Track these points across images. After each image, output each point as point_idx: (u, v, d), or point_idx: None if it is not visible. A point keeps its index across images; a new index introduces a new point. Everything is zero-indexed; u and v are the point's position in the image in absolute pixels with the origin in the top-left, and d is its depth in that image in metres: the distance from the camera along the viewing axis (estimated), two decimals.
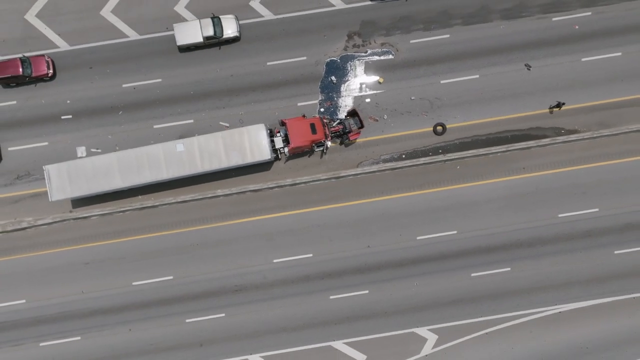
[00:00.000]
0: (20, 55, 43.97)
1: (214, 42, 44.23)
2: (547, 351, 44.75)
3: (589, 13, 45.11)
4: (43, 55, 43.98)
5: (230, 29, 43.92)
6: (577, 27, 45.04)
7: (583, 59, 44.97)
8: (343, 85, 45.30)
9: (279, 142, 42.58)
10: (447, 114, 44.96)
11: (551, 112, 44.43)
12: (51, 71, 43.84)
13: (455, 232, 44.71)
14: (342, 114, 45.11)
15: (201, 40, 43.57)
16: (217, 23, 43.62)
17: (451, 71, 45.01)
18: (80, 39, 44.94)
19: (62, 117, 44.63)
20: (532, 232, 44.73)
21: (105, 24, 44.99)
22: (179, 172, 41.26)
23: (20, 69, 43.03)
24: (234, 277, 44.59)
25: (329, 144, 44.28)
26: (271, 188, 44.77)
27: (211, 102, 44.92)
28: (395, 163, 44.86)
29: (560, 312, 44.80)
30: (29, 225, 44.01)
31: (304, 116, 43.50)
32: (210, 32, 43.47)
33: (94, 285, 44.46)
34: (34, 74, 43.39)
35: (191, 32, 43.63)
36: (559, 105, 43.99)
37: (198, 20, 43.55)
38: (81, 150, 44.30)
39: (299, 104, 44.92)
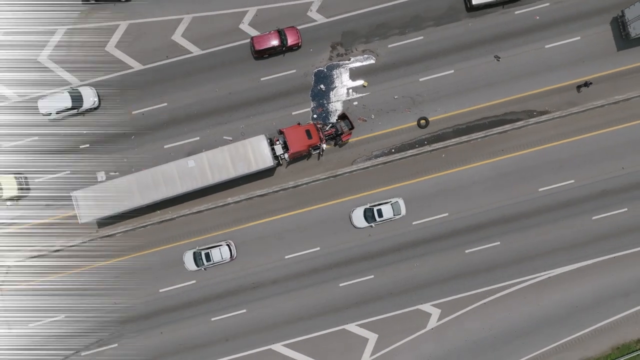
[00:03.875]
0: (276, 28, 46.18)
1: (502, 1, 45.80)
2: (542, 313, 47.06)
3: (548, 4, 46.72)
4: (293, 27, 46.12)
5: None
6: (538, 17, 46.81)
7: (546, 46, 46.81)
8: (331, 92, 47.18)
9: (279, 149, 44.19)
10: (429, 108, 46.91)
11: (579, 92, 45.67)
12: (301, 40, 45.92)
13: (446, 214, 46.96)
14: (333, 118, 47.04)
15: None
16: None
17: (428, 69, 46.77)
18: (89, 74, 46.67)
19: (81, 147, 46.71)
20: (516, 207, 46.88)
21: (110, 58, 46.79)
22: (192, 185, 43.19)
23: (279, 40, 45.30)
24: (251, 275, 46.80)
25: (324, 146, 46.25)
26: (276, 191, 46.85)
27: (214, 119, 46.75)
28: (386, 157, 46.87)
29: (549, 277, 46.94)
30: (60, 247, 46.48)
31: (299, 124, 45.36)
32: None
33: (125, 296, 46.80)
34: (288, 44, 45.50)
35: None
36: (587, 84, 45.33)
37: None
38: (101, 175, 46.43)
39: (293, 113, 46.96)
